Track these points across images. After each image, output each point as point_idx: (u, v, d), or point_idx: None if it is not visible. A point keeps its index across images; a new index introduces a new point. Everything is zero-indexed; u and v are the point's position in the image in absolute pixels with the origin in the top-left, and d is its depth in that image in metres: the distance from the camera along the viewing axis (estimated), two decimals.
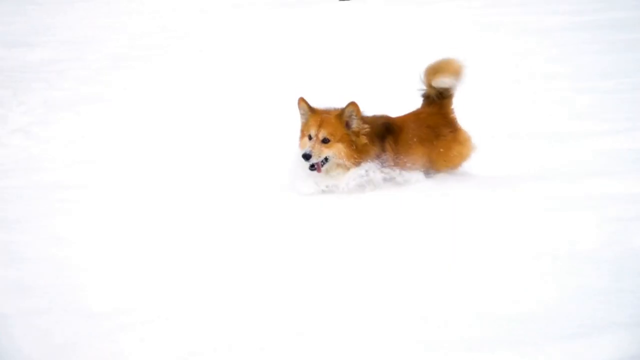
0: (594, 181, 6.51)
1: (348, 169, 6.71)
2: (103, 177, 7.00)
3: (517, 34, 13.19)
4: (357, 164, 6.68)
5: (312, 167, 6.70)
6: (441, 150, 6.98)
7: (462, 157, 7.08)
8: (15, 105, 9.90)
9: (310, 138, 6.73)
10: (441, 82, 6.95)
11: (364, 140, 6.70)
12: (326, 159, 6.71)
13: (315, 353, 4.10)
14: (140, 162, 7.41)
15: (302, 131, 6.85)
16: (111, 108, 9.40)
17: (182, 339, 4.28)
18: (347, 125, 6.70)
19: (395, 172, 6.77)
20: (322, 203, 6.43)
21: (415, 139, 6.89)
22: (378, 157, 6.74)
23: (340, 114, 6.70)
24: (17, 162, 7.75)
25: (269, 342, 4.20)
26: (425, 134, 6.95)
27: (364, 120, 6.74)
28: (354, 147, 6.69)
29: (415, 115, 7.11)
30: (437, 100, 7.01)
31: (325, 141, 6.69)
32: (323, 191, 6.66)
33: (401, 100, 7.44)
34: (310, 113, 6.79)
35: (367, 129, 6.72)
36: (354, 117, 6.69)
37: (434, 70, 6.97)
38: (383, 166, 6.73)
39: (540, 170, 7.02)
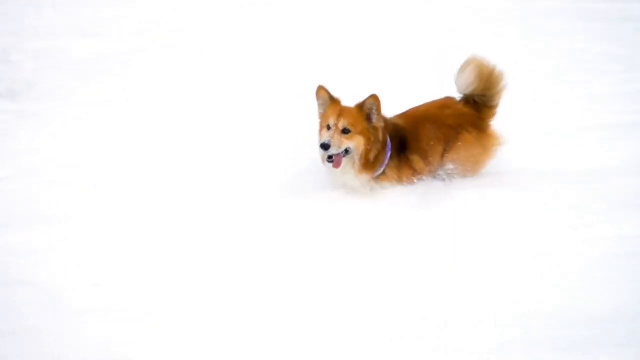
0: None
1: (362, 174, 6.29)
2: (102, 178, 6.97)
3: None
4: (374, 168, 6.27)
5: (330, 159, 6.23)
6: (459, 145, 6.53)
7: (482, 163, 6.63)
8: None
9: (329, 128, 6.28)
10: (465, 84, 6.56)
11: (380, 136, 6.25)
12: (347, 152, 6.25)
13: (318, 353, 4.13)
14: (141, 162, 7.36)
15: (321, 122, 6.37)
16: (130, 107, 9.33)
17: (181, 340, 4.31)
18: (368, 118, 6.26)
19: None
20: (325, 203, 6.22)
21: (431, 143, 6.46)
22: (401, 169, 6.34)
23: (361, 105, 6.23)
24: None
25: (271, 340, 4.23)
26: (444, 134, 6.52)
27: (382, 117, 6.29)
28: (373, 142, 6.24)
29: (439, 108, 6.64)
30: (476, 105, 6.61)
31: (345, 132, 6.21)
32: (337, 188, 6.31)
33: (413, 91, 7.25)
34: (330, 102, 6.30)
35: (381, 126, 6.26)
36: (375, 111, 6.22)
37: (460, 72, 6.58)
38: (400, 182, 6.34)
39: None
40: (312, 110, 6.54)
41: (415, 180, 6.43)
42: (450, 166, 6.54)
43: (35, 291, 4.86)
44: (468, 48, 9.04)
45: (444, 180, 6.54)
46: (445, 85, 7.23)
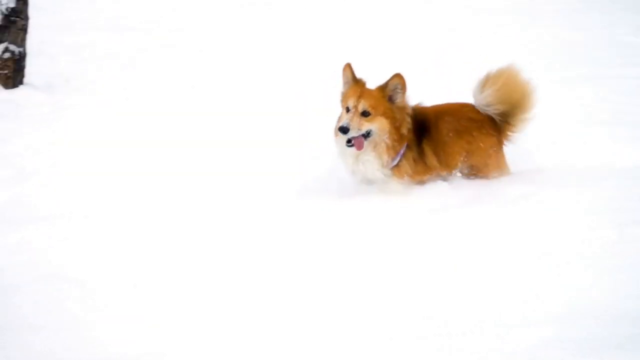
0: None
1: (381, 157, 6.06)
2: (104, 178, 6.93)
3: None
4: (399, 144, 6.01)
5: (350, 143, 6.01)
6: (481, 145, 6.26)
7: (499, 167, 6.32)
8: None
9: (348, 110, 6.07)
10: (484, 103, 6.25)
11: (408, 121, 6.06)
12: (368, 134, 6.02)
13: (321, 353, 4.11)
14: (142, 162, 7.33)
15: (342, 103, 6.17)
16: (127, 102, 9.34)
17: (184, 342, 4.29)
18: (391, 99, 6.04)
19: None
20: (331, 202, 6.07)
21: (451, 134, 6.22)
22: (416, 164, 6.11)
23: (383, 87, 6.02)
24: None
25: (275, 340, 4.22)
26: (466, 124, 6.25)
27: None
28: (397, 126, 6.02)
29: (459, 105, 6.39)
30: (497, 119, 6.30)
31: (365, 114, 5.98)
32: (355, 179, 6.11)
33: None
34: (353, 83, 6.10)
35: (408, 107, 6.05)
36: (399, 90, 6.01)
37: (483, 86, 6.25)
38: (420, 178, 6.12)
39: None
40: (311, 111, 6.58)
41: (426, 179, 6.20)
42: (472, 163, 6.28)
43: (39, 289, 4.82)
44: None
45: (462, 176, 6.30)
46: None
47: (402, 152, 6.12)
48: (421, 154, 6.18)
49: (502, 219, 5.63)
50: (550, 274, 4.74)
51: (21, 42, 10.00)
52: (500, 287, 4.64)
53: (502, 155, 6.39)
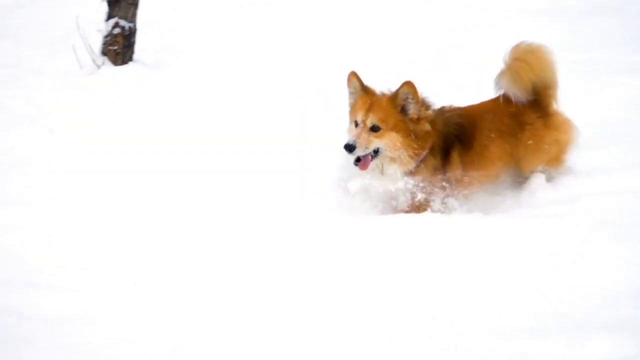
0: None
1: (405, 165, 5.59)
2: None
3: None
4: (417, 155, 5.55)
5: (358, 162, 5.59)
6: (529, 142, 5.88)
7: (560, 146, 5.91)
8: None
9: (356, 125, 5.64)
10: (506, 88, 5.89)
11: (425, 127, 5.60)
12: (376, 152, 5.60)
13: (326, 353, 4.09)
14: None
15: (350, 116, 5.76)
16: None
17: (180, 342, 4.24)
18: (403, 110, 5.59)
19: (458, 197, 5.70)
20: (331, 201, 5.84)
21: (491, 138, 5.80)
22: (437, 174, 5.66)
23: (393, 97, 5.58)
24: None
25: (276, 342, 4.18)
26: (507, 125, 5.86)
27: (425, 104, 5.64)
28: (413, 137, 5.56)
29: (493, 101, 5.98)
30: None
31: (374, 129, 5.55)
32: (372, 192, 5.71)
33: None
34: (362, 92, 5.68)
35: (429, 114, 5.61)
36: (411, 100, 5.55)
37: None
38: (446, 192, 5.67)
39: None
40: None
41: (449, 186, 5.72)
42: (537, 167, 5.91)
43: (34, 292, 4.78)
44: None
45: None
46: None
47: (422, 156, 5.67)
48: (446, 164, 5.73)
49: (508, 220, 5.53)
50: (556, 274, 4.71)
51: (131, 17, 9.86)
52: (506, 286, 4.61)
53: (556, 134, 5.94)
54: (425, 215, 5.59)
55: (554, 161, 5.95)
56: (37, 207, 6.09)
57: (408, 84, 5.55)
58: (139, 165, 7.19)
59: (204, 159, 7.31)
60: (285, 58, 10.73)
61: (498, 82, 5.94)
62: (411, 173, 5.66)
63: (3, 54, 10.56)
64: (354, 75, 5.70)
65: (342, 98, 5.92)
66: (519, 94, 5.85)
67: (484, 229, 5.35)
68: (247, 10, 12.48)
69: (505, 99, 5.93)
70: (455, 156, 5.73)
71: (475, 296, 4.49)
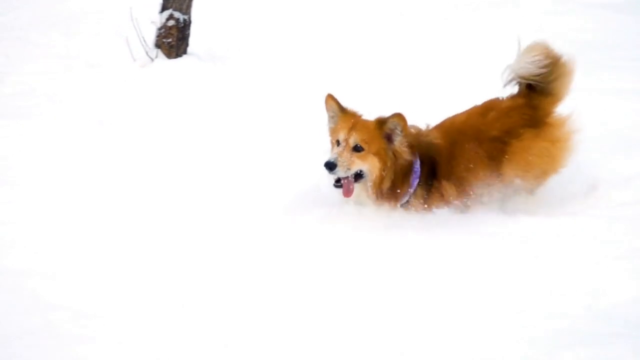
0: None
1: (389, 199, 5.39)
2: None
3: None
4: (402, 190, 5.35)
5: (339, 184, 5.35)
6: (515, 155, 5.58)
7: (549, 160, 5.60)
8: None
9: (338, 144, 5.39)
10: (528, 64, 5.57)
11: (398, 169, 5.35)
12: (359, 176, 5.36)
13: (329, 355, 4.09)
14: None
15: (331, 139, 5.53)
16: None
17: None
18: (388, 138, 5.37)
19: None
20: (335, 209, 5.63)
21: (470, 165, 5.52)
22: (430, 200, 5.45)
23: (381, 122, 5.36)
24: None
25: (277, 345, 4.18)
26: (490, 147, 5.56)
27: (409, 138, 5.40)
28: (387, 172, 5.32)
29: (481, 115, 5.66)
30: (530, 92, 5.63)
31: (357, 149, 5.31)
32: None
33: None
34: (341, 114, 5.45)
35: (407, 154, 5.37)
36: (399, 132, 5.33)
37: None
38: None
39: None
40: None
41: (446, 207, 5.52)
42: (516, 181, 5.58)
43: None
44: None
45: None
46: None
47: (412, 189, 5.45)
48: (437, 187, 5.49)
49: (508, 221, 5.52)
50: (558, 274, 4.77)
51: (186, 9, 9.62)
52: (506, 286, 4.66)
53: (551, 145, 5.65)
54: (421, 216, 5.50)
55: (541, 175, 5.67)
56: (85, 196, 6.15)
57: (398, 116, 5.32)
58: (188, 160, 7.08)
59: (258, 155, 7.14)
60: (338, 55, 10.46)
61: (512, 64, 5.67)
62: (404, 204, 5.47)
63: (52, 44, 10.49)
64: (330, 98, 5.49)
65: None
66: (535, 61, 5.58)
67: (485, 227, 5.37)
68: (304, 5, 12.22)
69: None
70: (442, 180, 5.49)
71: (476, 295, 4.54)
